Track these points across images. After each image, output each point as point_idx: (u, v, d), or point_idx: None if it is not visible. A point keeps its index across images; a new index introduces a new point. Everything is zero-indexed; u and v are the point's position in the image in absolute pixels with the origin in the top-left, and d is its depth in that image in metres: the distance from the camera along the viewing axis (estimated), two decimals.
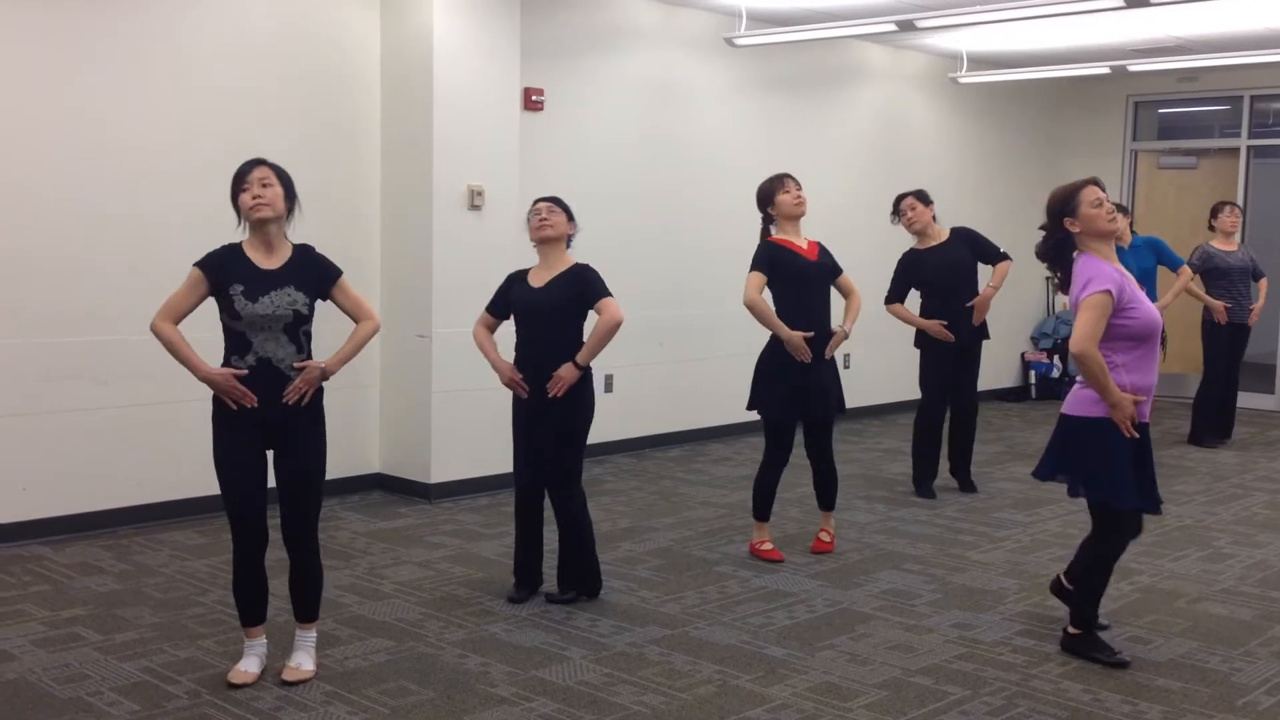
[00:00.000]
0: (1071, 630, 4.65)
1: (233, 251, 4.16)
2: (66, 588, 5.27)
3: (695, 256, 8.91)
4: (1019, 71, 10.25)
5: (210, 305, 4.16)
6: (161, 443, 6.35)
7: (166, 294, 6.25)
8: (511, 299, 5.16)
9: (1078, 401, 4.42)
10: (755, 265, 5.71)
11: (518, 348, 5.15)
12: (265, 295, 4.08)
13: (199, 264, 4.14)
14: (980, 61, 10.73)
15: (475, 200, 7.04)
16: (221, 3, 6.40)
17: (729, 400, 9.25)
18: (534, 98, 7.73)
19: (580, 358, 4.99)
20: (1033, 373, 11.84)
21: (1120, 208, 8.22)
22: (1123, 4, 6.79)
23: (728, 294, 9.01)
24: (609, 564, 5.62)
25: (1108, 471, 4.36)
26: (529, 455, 5.14)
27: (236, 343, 4.12)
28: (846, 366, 9.79)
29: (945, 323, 7.07)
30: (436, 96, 6.84)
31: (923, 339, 7.23)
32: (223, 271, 4.11)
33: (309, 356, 4.21)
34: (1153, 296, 8.19)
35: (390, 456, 7.31)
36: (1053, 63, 10.52)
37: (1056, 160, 12.27)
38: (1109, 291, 4.25)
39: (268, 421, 4.15)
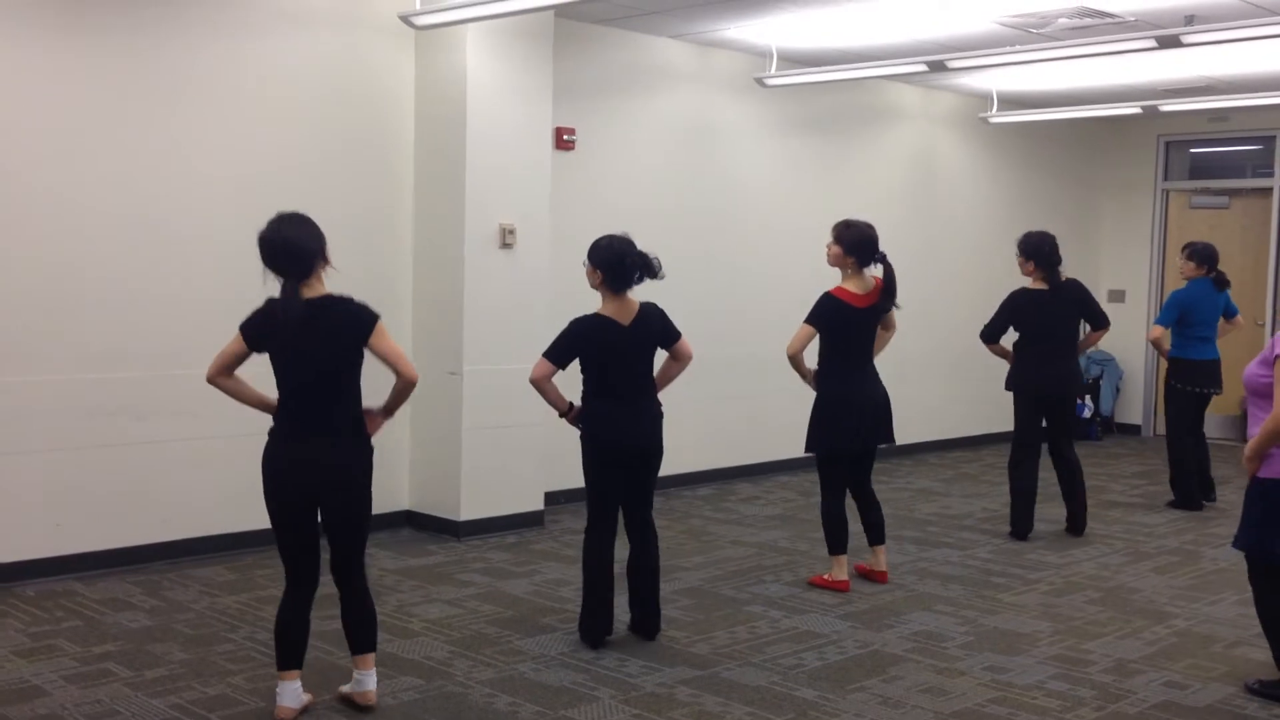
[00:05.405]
0: None
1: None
2: (98, 623, 5.30)
3: (726, 296, 8.92)
4: (1050, 111, 10.24)
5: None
6: (191, 479, 6.38)
7: (208, 329, 6.25)
8: None
9: None
10: None
11: None
12: None
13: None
14: (1011, 101, 10.73)
15: (507, 239, 7.08)
16: (257, 43, 6.49)
17: (758, 439, 9.26)
18: (566, 137, 7.79)
19: None
20: None
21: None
22: (1154, 45, 6.79)
23: (757, 333, 9.04)
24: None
25: None
26: None
27: None
28: None
29: None
30: (469, 135, 6.90)
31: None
32: None
33: None
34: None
35: (420, 494, 7.32)
36: (1084, 102, 10.52)
37: (1087, 200, 12.24)
38: None
39: None
